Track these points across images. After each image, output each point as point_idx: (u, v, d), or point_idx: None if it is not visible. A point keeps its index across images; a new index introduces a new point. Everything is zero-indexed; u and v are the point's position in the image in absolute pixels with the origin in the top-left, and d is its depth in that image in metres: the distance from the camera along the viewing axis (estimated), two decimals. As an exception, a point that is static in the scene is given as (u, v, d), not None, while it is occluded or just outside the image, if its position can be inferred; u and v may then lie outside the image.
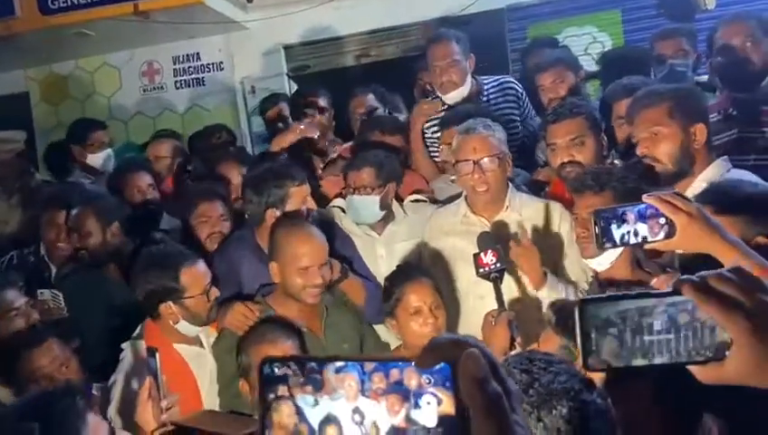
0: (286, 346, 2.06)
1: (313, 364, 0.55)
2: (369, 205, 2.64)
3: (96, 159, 3.76)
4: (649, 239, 1.29)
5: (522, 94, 3.26)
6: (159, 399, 1.88)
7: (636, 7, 4.70)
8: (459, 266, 2.44)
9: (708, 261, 1.27)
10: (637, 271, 2.13)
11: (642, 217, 1.27)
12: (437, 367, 0.53)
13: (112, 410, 2.14)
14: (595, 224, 1.30)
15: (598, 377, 1.10)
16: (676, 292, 0.68)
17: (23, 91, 5.49)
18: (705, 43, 3.16)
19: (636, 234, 1.28)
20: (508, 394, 0.53)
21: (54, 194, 3.23)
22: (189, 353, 2.31)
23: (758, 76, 2.72)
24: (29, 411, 1.27)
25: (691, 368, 0.69)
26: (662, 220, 1.27)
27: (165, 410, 1.88)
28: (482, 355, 0.53)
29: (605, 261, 2.09)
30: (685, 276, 0.68)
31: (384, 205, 2.67)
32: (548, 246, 2.40)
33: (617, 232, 1.28)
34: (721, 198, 1.65)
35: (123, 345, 2.31)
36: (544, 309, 2.23)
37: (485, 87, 3.21)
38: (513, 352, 1.98)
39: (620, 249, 2.06)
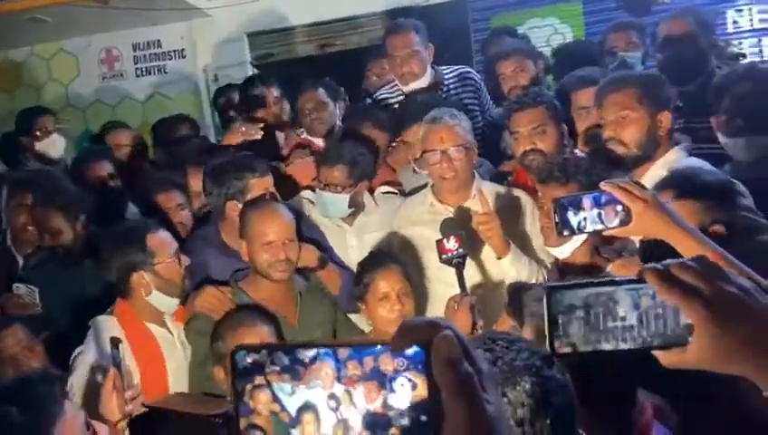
0: (263, 332, 2.07)
1: (290, 353, 0.56)
2: (337, 202, 2.65)
3: (44, 146, 3.65)
4: (606, 226, 1.32)
5: (480, 84, 3.31)
6: (123, 390, 1.87)
7: (596, 0, 4.79)
8: (427, 254, 2.47)
9: (664, 247, 1.32)
10: (595, 257, 2.19)
11: (599, 205, 1.30)
12: (411, 352, 0.54)
13: (74, 386, 2.09)
14: (555, 212, 1.33)
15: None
16: (640, 279, 0.71)
17: (-25, 78, 5.32)
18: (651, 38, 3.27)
19: (593, 221, 1.31)
20: (479, 374, 0.54)
21: (20, 179, 3.14)
22: (161, 335, 2.31)
23: (697, 70, 2.82)
24: (5, 395, 1.26)
25: (655, 353, 0.71)
26: (618, 207, 1.30)
27: (129, 401, 1.88)
28: (455, 337, 0.54)
29: (567, 250, 2.15)
30: (649, 265, 0.71)
31: (354, 203, 2.68)
32: (513, 234, 2.45)
33: (574, 219, 1.31)
34: (681, 184, 1.71)
35: (93, 321, 2.28)
36: (509, 283, 2.29)
37: (445, 77, 3.23)
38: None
39: (582, 238, 2.12)
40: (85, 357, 2.20)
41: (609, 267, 2.12)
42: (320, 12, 4.95)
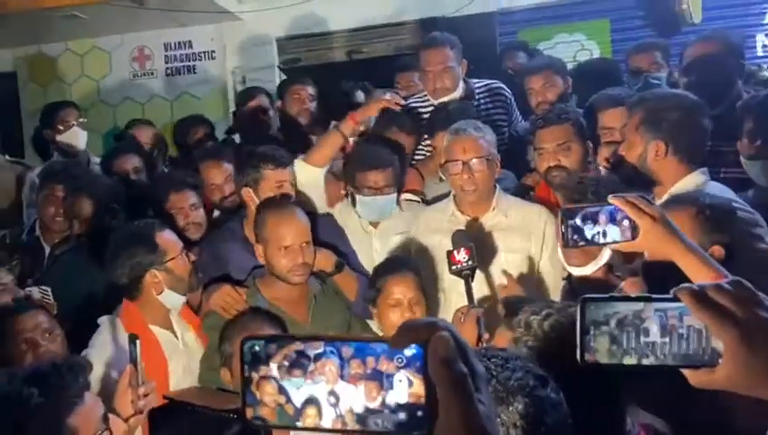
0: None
1: (297, 347, 0.58)
2: (384, 204, 2.68)
3: (66, 138, 3.70)
4: (613, 240, 1.32)
5: (510, 100, 3.31)
6: (138, 386, 1.90)
7: (624, 18, 4.79)
8: (444, 263, 2.49)
9: (665, 264, 1.32)
10: (608, 275, 2.19)
11: (611, 218, 1.30)
12: (411, 351, 0.56)
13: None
14: (562, 222, 1.31)
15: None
16: (673, 298, 0.72)
17: (10, 71, 5.44)
18: (677, 59, 3.26)
19: (602, 235, 1.30)
20: (474, 375, 0.57)
21: (51, 170, 3.21)
22: (164, 338, 2.31)
23: (724, 94, 2.80)
24: (31, 377, 1.30)
25: (684, 371, 0.73)
26: (626, 222, 1.29)
27: (142, 397, 1.90)
28: (451, 337, 0.56)
29: (590, 269, 2.14)
30: (685, 285, 0.72)
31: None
32: (528, 248, 2.46)
33: (587, 231, 1.30)
34: (686, 203, 1.72)
35: (100, 320, 2.30)
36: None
37: (476, 90, 3.25)
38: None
39: (606, 257, 2.12)
40: (94, 353, 2.19)
41: (622, 285, 2.12)
42: (348, 19, 5.00)
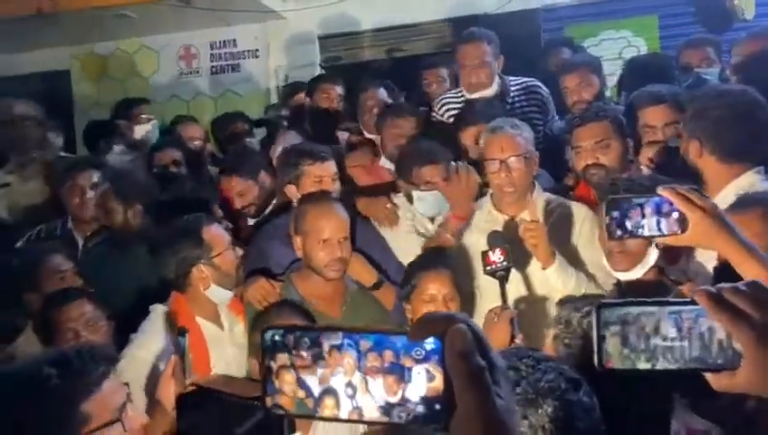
0: None
1: (316, 338, 0.58)
2: (442, 199, 2.68)
3: (141, 130, 3.85)
4: (661, 233, 1.25)
5: (547, 98, 3.27)
6: (184, 378, 1.93)
7: (673, 14, 4.66)
8: (479, 262, 2.47)
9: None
10: (663, 279, 2.12)
11: (657, 211, 1.24)
12: (430, 346, 0.56)
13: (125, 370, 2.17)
14: (607, 213, 1.26)
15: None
16: (690, 301, 0.72)
17: (65, 69, 5.65)
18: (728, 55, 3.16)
19: (649, 227, 1.24)
20: (492, 368, 0.56)
21: (75, 162, 3.30)
22: (209, 331, 2.33)
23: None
24: (54, 359, 1.34)
25: (706, 375, 0.72)
26: (675, 215, 1.23)
27: (188, 389, 1.94)
28: (469, 330, 0.56)
29: (636, 274, 2.09)
30: (702, 287, 0.71)
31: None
32: (566, 246, 2.41)
33: (629, 223, 1.24)
34: (757, 202, 1.65)
35: (152, 308, 2.34)
36: (551, 308, 2.25)
37: (512, 88, 3.22)
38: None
39: (652, 261, 2.06)
40: (141, 339, 2.25)
41: (682, 289, 2.05)
42: (389, 17, 5.01)
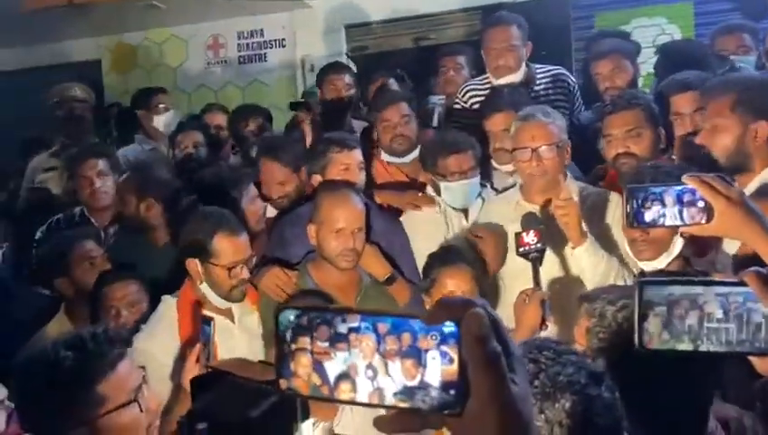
0: None
1: (333, 321, 0.57)
2: (474, 188, 2.66)
3: (160, 120, 3.90)
4: (685, 223, 1.21)
5: (574, 88, 3.22)
6: (208, 365, 1.94)
7: (710, 0, 4.52)
8: (509, 254, 2.44)
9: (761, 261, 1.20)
10: (687, 271, 2.07)
11: (679, 199, 1.19)
12: (448, 330, 0.55)
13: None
14: (627, 201, 1.23)
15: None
16: (737, 282, 0.68)
17: (96, 59, 5.72)
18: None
19: (673, 216, 1.20)
20: (509, 355, 0.54)
21: (78, 152, 3.33)
22: (218, 323, 2.21)
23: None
24: (70, 342, 1.37)
25: (752, 359, 0.70)
26: (700, 204, 1.18)
27: None
28: (485, 315, 0.54)
29: (660, 264, 2.04)
30: (752, 268, 0.68)
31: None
32: (598, 234, 2.36)
33: (650, 212, 1.20)
34: None
35: (162, 298, 2.36)
36: (584, 277, 2.21)
37: (538, 76, 3.17)
38: (541, 332, 1.99)
39: (678, 248, 2.01)
40: (148, 335, 2.24)
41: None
42: (415, 6, 4.97)
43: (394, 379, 0.56)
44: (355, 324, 0.57)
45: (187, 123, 3.81)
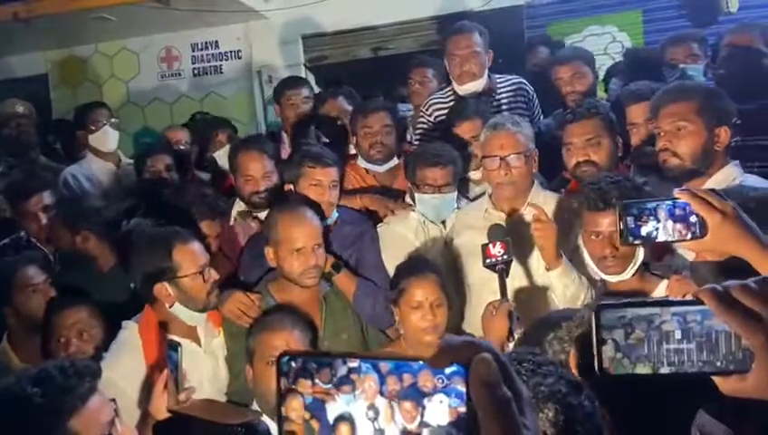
0: (291, 336, 2.07)
1: (333, 364, 0.56)
2: (447, 203, 2.64)
3: (95, 139, 3.75)
4: (679, 238, 1.20)
5: (532, 96, 3.29)
6: (177, 392, 1.89)
7: (657, 8, 4.66)
8: (476, 261, 2.43)
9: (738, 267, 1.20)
10: (645, 275, 2.11)
11: (672, 214, 1.19)
12: (451, 369, 0.54)
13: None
14: (621, 218, 1.21)
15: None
16: (694, 300, 0.68)
17: (42, 74, 5.54)
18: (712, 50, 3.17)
19: (666, 232, 1.19)
20: (518, 398, 0.53)
21: (24, 185, 3.19)
22: (185, 348, 2.13)
23: (760, 88, 2.69)
24: (37, 378, 1.31)
25: (715, 379, 0.68)
26: (693, 218, 1.18)
27: (180, 404, 1.89)
28: (494, 360, 0.53)
29: (626, 276, 2.07)
30: (707, 286, 0.67)
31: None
32: (566, 246, 2.39)
33: (645, 228, 1.19)
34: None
35: (123, 324, 2.28)
36: (554, 295, 2.22)
37: (499, 86, 3.22)
38: (510, 344, 2.00)
39: (640, 261, 2.04)
40: (109, 363, 2.12)
41: (663, 284, 2.05)
42: (374, 15, 4.97)
43: (396, 422, 0.54)
44: (355, 365, 0.56)
45: (155, 146, 3.70)
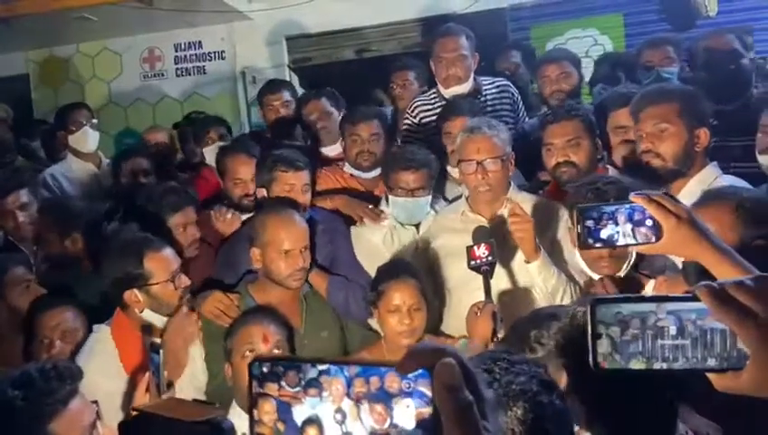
0: (268, 330, 2.08)
1: (302, 367, 0.57)
2: (421, 206, 2.65)
3: (75, 139, 3.72)
4: (636, 242, 1.20)
5: (517, 98, 3.31)
6: (159, 394, 1.87)
7: (638, 12, 4.72)
8: (454, 263, 2.45)
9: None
10: (633, 275, 2.13)
11: (630, 218, 1.19)
12: (419, 378, 0.54)
13: None
14: (578, 222, 1.22)
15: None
16: (690, 297, 0.68)
17: (23, 73, 5.49)
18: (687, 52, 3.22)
19: (624, 235, 1.19)
20: (481, 401, 0.54)
21: (4, 183, 3.14)
22: (147, 345, 2.18)
23: (738, 90, 2.74)
24: (17, 382, 1.30)
25: (709, 375, 0.68)
26: (649, 222, 1.18)
27: None
28: (457, 364, 0.54)
29: (620, 274, 2.09)
30: (703, 282, 0.67)
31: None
32: (545, 245, 2.41)
33: (604, 231, 1.19)
34: (729, 197, 1.64)
35: (95, 328, 2.28)
36: (535, 290, 2.24)
37: (484, 88, 3.24)
38: (493, 345, 2.01)
39: (633, 259, 2.06)
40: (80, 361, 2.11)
41: (651, 284, 2.07)
42: (358, 17, 4.98)
43: (364, 423, 0.55)
44: (325, 367, 0.57)
45: (125, 149, 3.68)
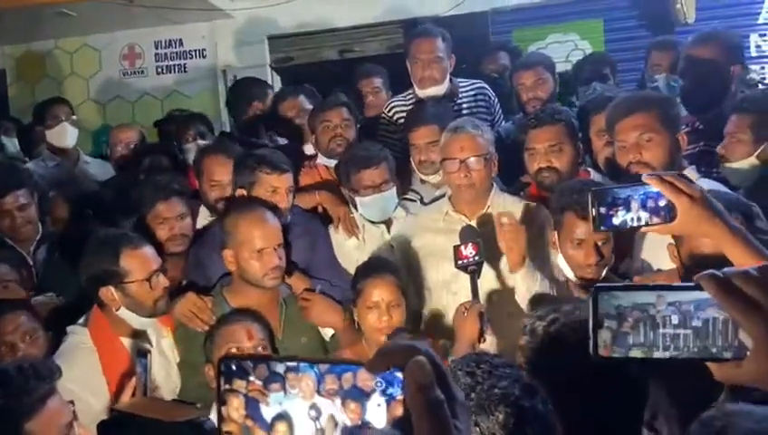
0: (252, 327, 2.06)
1: (271, 364, 0.57)
2: (389, 201, 2.63)
3: (53, 135, 3.66)
4: (649, 223, 1.20)
5: (494, 101, 3.31)
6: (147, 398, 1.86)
7: (618, 18, 4.78)
8: (436, 263, 2.46)
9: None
10: (610, 277, 2.15)
11: (643, 200, 1.19)
12: (391, 377, 0.55)
13: None
14: (592, 205, 1.20)
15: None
16: (693, 286, 0.67)
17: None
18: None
19: (637, 218, 1.19)
20: (452, 401, 0.54)
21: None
22: (134, 349, 2.15)
23: (720, 98, 2.76)
24: None
25: (709, 365, 0.68)
26: (662, 202, 1.18)
27: None
28: (428, 363, 0.54)
29: (601, 277, 2.11)
30: (708, 271, 0.67)
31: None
32: (530, 248, 2.42)
33: (618, 215, 1.19)
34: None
35: (68, 329, 2.23)
36: (518, 298, 2.26)
37: (461, 90, 3.23)
38: (480, 345, 2.02)
39: (611, 263, 2.08)
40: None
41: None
42: (340, 18, 4.98)
43: (337, 420, 0.55)
44: (293, 364, 0.57)
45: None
